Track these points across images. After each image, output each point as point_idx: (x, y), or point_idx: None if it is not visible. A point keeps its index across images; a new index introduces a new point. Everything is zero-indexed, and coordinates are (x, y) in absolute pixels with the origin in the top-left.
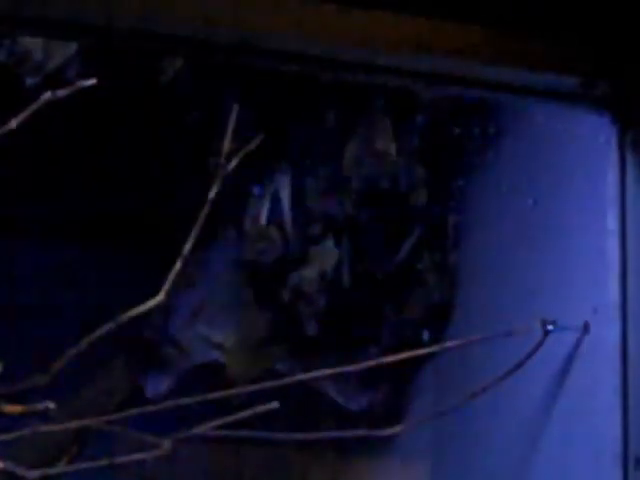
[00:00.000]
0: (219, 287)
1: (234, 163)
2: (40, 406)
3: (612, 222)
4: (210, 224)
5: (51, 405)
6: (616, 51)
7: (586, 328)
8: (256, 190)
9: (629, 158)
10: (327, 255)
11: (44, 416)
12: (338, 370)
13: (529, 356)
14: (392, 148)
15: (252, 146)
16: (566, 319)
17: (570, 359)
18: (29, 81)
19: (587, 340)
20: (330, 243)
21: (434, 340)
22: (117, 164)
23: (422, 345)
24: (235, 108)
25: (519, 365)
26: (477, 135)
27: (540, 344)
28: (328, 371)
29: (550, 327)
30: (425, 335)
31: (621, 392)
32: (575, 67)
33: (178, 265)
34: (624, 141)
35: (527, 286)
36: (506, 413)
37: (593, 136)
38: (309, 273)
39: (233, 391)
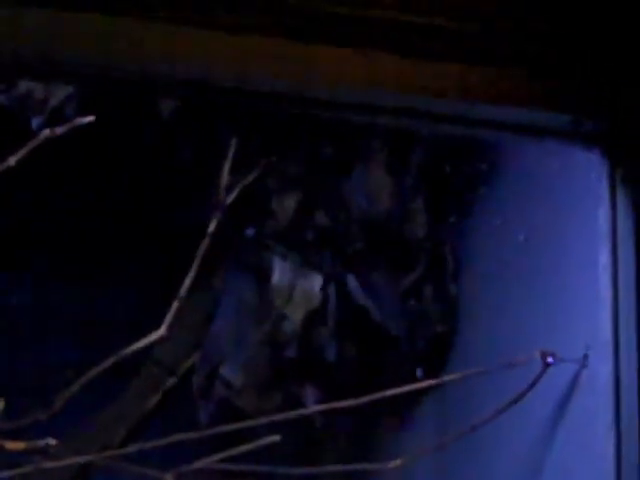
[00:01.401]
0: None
1: (232, 196)
2: (41, 443)
3: (604, 257)
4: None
5: (52, 442)
6: (606, 88)
7: (585, 360)
8: (249, 232)
9: (620, 193)
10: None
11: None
12: (339, 404)
13: (530, 388)
14: (388, 186)
15: (249, 180)
16: (561, 353)
17: (568, 392)
18: (35, 122)
19: (582, 374)
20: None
21: (435, 373)
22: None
23: (423, 379)
24: (233, 143)
25: (519, 397)
26: (471, 172)
27: (540, 376)
28: (322, 406)
29: (550, 359)
30: (425, 368)
31: (614, 427)
32: (565, 104)
33: (179, 300)
34: (615, 177)
35: (523, 320)
36: (507, 444)
37: (584, 172)
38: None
39: (236, 425)
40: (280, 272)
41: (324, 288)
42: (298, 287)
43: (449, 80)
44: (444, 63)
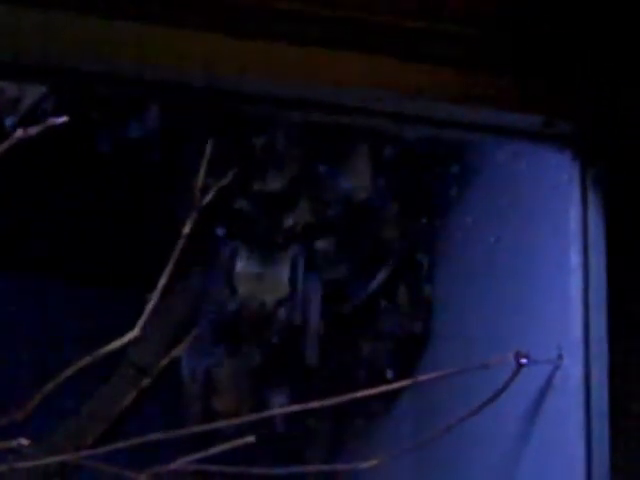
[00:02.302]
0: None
1: (208, 198)
2: (13, 443)
3: (575, 258)
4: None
5: (24, 442)
6: (577, 90)
7: (559, 361)
8: (219, 231)
9: (591, 195)
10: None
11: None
12: (309, 406)
13: (503, 389)
14: (366, 185)
15: (225, 182)
16: (534, 353)
17: (541, 392)
18: (8, 121)
19: (555, 374)
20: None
21: (409, 373)
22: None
23: (395, 379)
24: (210, 143)
25: (493, 397)
26: (444, 172)
27: (514, 376)
28: (297, 407)
29: (524, 360)
30: (398, 368)
31: (585, 426)
32: (536, 106)
33: (153, 301)
34: (586, 178)
35: (496, 320)
36: (481, 444)
37: (555, 173)
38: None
39: (208, 426)
40: (245, 262)
41: (292, 279)
42: (265, 276)
43: (420, 80)
44: (415, 63)
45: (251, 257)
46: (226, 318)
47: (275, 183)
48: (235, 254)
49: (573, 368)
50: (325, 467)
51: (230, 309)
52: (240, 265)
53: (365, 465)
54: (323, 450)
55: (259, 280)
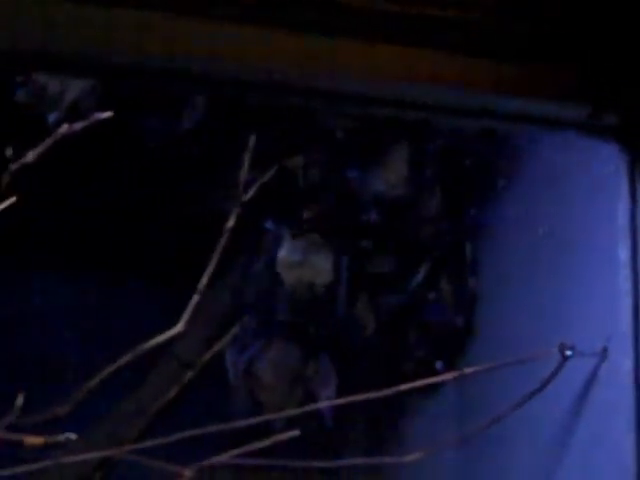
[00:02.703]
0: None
1: (250, 194)
2: (61, 437)
3: (623, 251)
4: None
5: (72, 436)
6: (624, 81)
7: (604, 354)
8: (268, 225)
9: None
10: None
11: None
12: (358, 398)
13: (548, 381)
14: (407, 178)
15: (267, 177)
16: (581, 347)
17: (588, 385)
18: (51, 117)
19: (603, 367)
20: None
21: (454, 365)
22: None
23: (442, 371)
24: (252, 139)
25: (537, 390)
26: (491, 165)
27: (559, 369)
28: (342, 400)
29: (569, 352)
30: (444, 361)
31: (635, 419)
32: (584, 97)
33: (197, 295)
34: (634, 170)
35: (542, 313)
36: (526, 437)
37: (603, 166)
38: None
39: (253, 420)
40: (288, 250)
41: (336, 267)
42: (308, 263)
43: (463, 71)
44: (456, 54)
45: (294, 245)
46: (272, 306)
47: (315, 176)
48: (279, 242)
49: (622, 361)
50: (370, 460)
51: (277, 296)
52: (283, 252)
53: (410, 458)
54: (365, 443)
55: (302, 266)
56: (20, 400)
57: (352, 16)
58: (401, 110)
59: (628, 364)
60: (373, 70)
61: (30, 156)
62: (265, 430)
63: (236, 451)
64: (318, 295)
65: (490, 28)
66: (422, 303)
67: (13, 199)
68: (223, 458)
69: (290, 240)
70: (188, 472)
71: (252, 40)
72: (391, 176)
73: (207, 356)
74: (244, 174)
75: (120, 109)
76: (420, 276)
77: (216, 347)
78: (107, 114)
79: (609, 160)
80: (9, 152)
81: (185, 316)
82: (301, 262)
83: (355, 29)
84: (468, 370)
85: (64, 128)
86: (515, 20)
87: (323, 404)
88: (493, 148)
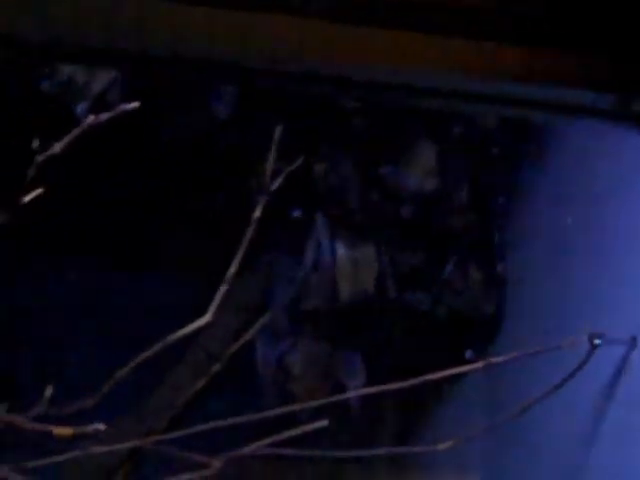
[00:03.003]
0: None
1: (277, 183)
2: (90, 428)
3: None
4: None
5: (101, 427)
6: None
7: (634, 342)
8: (295, 213)
9: None
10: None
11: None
12: (386, 387)
13: (577, 370)
14: (435, 167)
15: (294, 167)
16: (611, 334)
17: (617, 374)
18: (79, 108)
19: (632, 356)
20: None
21: (481, 354)
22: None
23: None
24: (279, 129)
25: (566, 379)
26: (520, 153)
27: (588, 357)
28: (372, 389)
29: (598, 341)
30: (472, 350)
31: None
32: (612, 84)
33: (224, 286)
34: None
35: (571, 302)
36: (555, 425)
37: (633, 153)
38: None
39: (280, 410)
40: (344, 246)
41: (379, 260)
42: (360, 258)
43: (489, 59)
44: (483, 42)
45: (344, 240)
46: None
47: (347, 167)
48: (330, 238)
49: None
50: (402, 449)
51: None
52: (341, 249)
53: (443, 446)
54: (394, 432)
55: (355, 262)
56: (49, 391)
57: (385, 7)
58: (423, 99)
59: None
60: (404, 59)
61: (57, 147)
62: (294, 421)
63: (265, 441)
64: (364, 290)
65: (523, 17)
66: (452, 292)
67: (40, 190)
68: (252, 448)
69: (336, 238)
70: (216, 462)
71: (315, 34)
72: (420, 169)
73: (235, 347)
74: (271, 165)
75: (147, 100)
76: (450, 266)
77: (244, 338)
78: (133, 105)
79: (638, 148)
80: (36, 144)
81: (213, 307)
82: (349, 258)
83: (384, 18)
84: (496, 359)
85: (91, 119)
86: (547, 8)
87: (351, 394)
88: (524, 136)
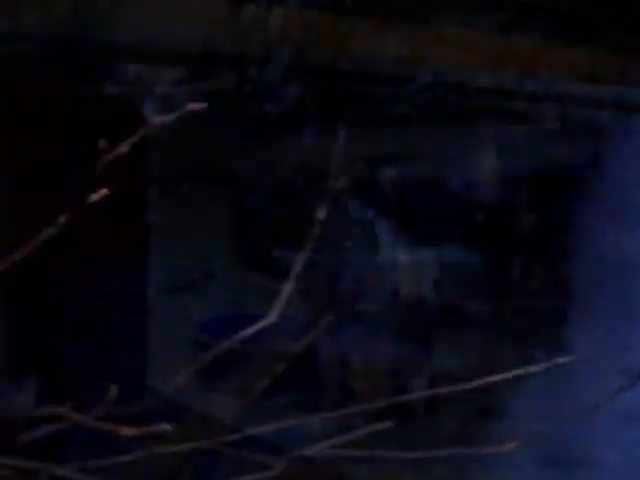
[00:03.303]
0: None
1: (340, 184)
2: (156, 428)
3: None
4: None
5: (167, 427)
6: None
7: None
8: (370, 214)
9: None
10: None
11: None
12: (448, 389)
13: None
14: (494, 169)
15: (358, 168)
16: None
17: None
18: (146, 107)
19: None
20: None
21: (546, 355)
22: None
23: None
24: (343, 129)
25: (630, 384)
26: (581, 154)
27: None
28: (429, 391)
29: None
30: (537, 348)
31: None
32: None
33: (289, 287)
34: None
35: (634, 302)
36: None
37: None
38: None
39: (345, 411)
40: (390, 248)
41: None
42: (411, 262)
43: (556, 60)
44: (550, 43)
45: (404, 241)
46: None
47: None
48: (393, 238)
49: None
50: (462, 451)
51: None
52: (401, 250)
53: (507, 447)
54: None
55: (414, 265)
56: (114, 391)
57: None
58: (487, 98)
59: None
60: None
61: (124, 147)
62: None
63: (329, 442)
64: (425, 290)
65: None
66: (517, 291)
67: (105, 190)
68: (315, 449)
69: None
70: (279, 463)
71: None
72: (485, 172)
73: (299, 347)
74: (335, 166)
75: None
76: (515, 266)
77: (308, 337)
78: (201, 105)
79: None
80: (102, 143)
81: (277, 307)
82: (410, 260)
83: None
84: (562, 359)
85: (157, 119)
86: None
87: (418, 394)
88: (583, 137)
